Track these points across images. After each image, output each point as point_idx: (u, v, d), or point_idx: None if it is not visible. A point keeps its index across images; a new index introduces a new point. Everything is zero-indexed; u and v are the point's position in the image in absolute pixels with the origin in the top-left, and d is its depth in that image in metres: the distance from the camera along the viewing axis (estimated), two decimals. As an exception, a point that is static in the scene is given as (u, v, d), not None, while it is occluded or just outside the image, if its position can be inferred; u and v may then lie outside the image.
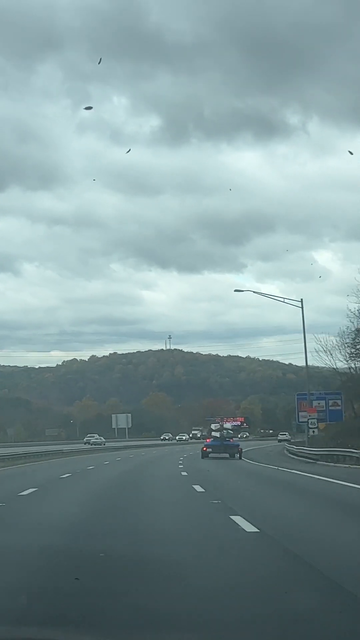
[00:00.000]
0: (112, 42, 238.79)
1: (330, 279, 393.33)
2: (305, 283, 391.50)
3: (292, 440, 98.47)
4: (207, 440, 60.18)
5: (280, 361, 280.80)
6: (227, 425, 63.51)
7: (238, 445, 58.81)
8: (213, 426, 61.96)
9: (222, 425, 61.65)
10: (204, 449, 57.68)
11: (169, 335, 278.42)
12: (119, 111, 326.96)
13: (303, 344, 67.58)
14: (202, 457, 55.35)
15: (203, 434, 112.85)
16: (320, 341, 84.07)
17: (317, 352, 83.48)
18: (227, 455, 56.84)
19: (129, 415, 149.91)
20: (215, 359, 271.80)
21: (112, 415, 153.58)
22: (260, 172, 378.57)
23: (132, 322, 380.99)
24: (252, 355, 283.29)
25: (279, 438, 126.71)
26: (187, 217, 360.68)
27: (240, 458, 55.92)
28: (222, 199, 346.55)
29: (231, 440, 59.23)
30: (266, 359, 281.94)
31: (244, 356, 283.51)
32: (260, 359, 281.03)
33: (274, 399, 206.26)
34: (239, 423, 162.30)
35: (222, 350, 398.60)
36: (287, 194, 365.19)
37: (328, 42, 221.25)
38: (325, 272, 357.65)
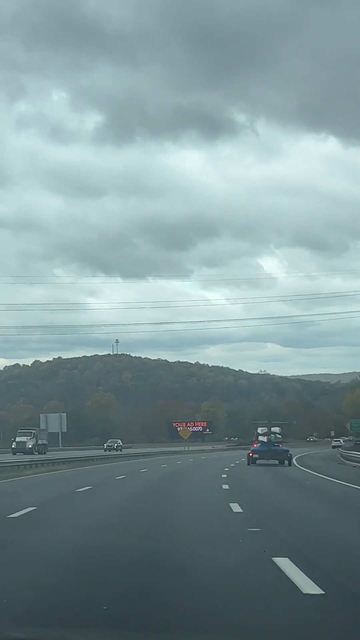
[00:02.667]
0: (47, 30, 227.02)
1: (276, 286, 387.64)
2: (251, 290, 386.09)
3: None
4: (255, 445, 56.29)
5: (231, 367, 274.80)
6: (275, 429, 58.00)
7: (287, 450, 54.90)
8: (260, 430, 57.46)
9: (269, 429, 57.10)
10: (250, 454, 55.09)
11: (116, 340, 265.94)
12: (59, 106, 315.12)
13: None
14: (249, 464, 52.93)
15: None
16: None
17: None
18: (276, 461, 53.50)
19: (63, 415, 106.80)
20: (164, 364, 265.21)
21: (41, 415, 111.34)
22: (204, 174, 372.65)
23: (77, 330, 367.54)
24: (201, 362, 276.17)
25: (332, 444, 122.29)
26: (130, 221, 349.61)
27: (290, 464, 52.33)
28: (166, 201, 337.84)
29: (280, 445, 55.53)
30: (216, 365, 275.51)
31: (193, 362, 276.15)
32: (210, 365, 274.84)
33: (238, 402, 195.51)
34: (200, 428, 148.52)
35: (170, 356, 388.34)
36: (231, 198, 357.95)
37: (276, 36, 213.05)
38: (270, 279, 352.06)
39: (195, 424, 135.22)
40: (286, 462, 53.04)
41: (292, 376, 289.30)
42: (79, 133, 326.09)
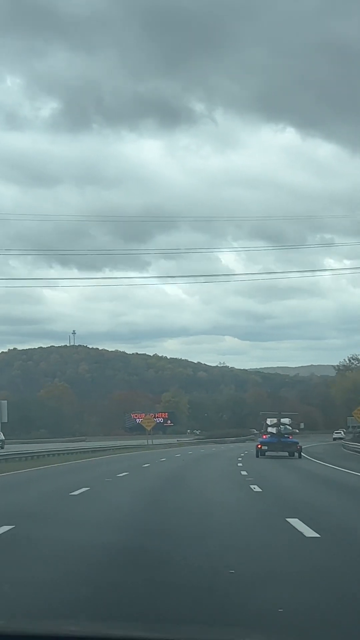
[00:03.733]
0: (0, 14, 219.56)
1: (234, 279, 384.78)
2: (209, 283, 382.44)
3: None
4: (264, 436, 55.46)
5: (189, 360, 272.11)
6: (285, 420, 56.44)
7: (297, 442, 53.50)
8: (269, 421, 55.93)
9: (279, 420, 55.68)
10: (259, 446, 54.09)
11: (73, 331, 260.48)
12: (13, 92, 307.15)
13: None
14: (258, 456, 51.80)
15: None
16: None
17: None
18: (285, 453, 52.44)
19: (3, 403, 76.62)
20: (122, 355, 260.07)
21: None
22: (163, 164, 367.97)
23: (33, 322, 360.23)
24: (159, 354, 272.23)
25: (334, 437, 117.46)
26: (87, 211, 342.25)
27: (300, 457, 51.20)
28: (123, 192, 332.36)
29: (290, 436, 54.51)
30: (175, 357, 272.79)
31: (152, 354, 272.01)
32: (169, 357, 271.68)
33: (198, 395, 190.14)
34: (161, 420, 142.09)
35: (128, 348, 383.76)
36: (190, 190, 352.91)
37: (234, 23, 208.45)
38: (229, 272, 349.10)
39: (156, 415, 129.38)
40: (296, 454, 51.81)
41: (251, 369, 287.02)
42: (35, 120, 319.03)
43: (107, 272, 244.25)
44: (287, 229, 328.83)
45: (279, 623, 7.35)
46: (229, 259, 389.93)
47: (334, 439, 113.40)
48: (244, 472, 32.62)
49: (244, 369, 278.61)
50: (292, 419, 59.17)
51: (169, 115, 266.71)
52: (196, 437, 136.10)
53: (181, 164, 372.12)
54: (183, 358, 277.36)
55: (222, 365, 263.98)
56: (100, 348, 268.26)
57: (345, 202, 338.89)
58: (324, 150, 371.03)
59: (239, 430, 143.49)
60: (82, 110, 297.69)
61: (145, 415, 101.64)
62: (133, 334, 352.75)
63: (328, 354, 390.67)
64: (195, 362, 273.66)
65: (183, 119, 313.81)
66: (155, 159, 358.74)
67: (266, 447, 53.07)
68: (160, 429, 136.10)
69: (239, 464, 40.57)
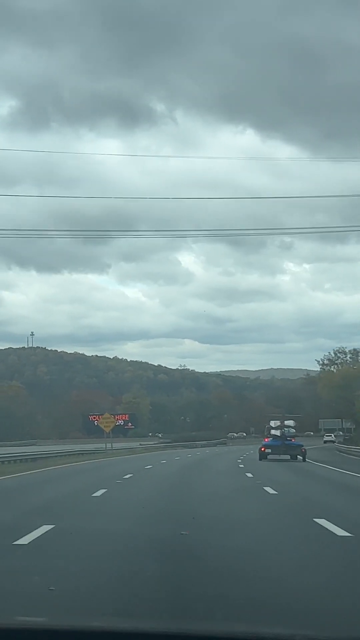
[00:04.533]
0: None
1: (193, 282, 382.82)
2: (168, 286, 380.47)
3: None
4: (266, 439, 55.07)
5: (150, 362, 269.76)
6: (290, 422, 56.47)
7: (301, 445, 53.14)
8: (272, 423, 55.86)
9: (282, 423, 55.56)
10: (262, 449, 53.26)
11: (32, 332, 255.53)
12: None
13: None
14: (260, 459, 51.17)
15: None
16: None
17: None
18: (287, 456, 52.04)
19: None
20: (81, 358, 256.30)
21: None
22: (123, 165, 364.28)
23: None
24: (119, 356, 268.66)
25: (324, 440, 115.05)
26: (46, 212, 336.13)
27: (304, 460, 50.49)
28: (83, 192, 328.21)
29: (293, 439, 54.26)
30: (135, 360, 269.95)
31: (112, 357, 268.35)
32: (129, 360, 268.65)
33: (159, 397, 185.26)
34: (121, 422, 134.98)
35: (88, 351, 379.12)
36: (150, 191, 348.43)
37: (196, 21, 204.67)
38: (187, 274, 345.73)
39: (116, 417, 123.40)
40: (299, 457, 51.12)
41: (212, 372, 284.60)
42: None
43: (66, 274, 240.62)
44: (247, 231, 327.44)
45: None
46: (188, 260, 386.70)
47: (325, 442, 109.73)
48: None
49: (204, 372, 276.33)
50: (295, 421, 59.14)
51: (129, 115, 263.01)
52: (161, 440, 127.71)
53: (141, 164, 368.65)
54: (143, 361, 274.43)
55: (182, 368, 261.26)
56: (59, 350, 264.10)
57: (305, 205, 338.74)
58: (284, 152, 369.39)
59: (207, 433, 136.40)
60: (41, 109, 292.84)
61: (104, 414, 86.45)
62: (93, 336, 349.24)
63: (288, 357, 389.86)
64: (156, 364, 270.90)
65: (143, 119, 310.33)
66: (116, 159, 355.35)
67: (269, 450, 52.63)
68: (120, 432, 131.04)
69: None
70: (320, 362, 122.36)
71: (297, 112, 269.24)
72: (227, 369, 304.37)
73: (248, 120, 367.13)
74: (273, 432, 54.84)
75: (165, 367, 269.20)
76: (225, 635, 4.13)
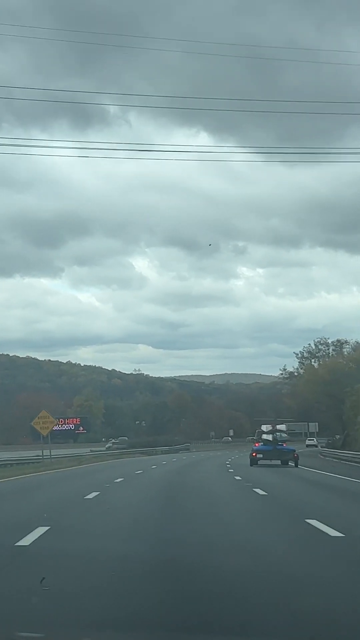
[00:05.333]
0: None
1: (147, 287, 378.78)
2: (122, 290, 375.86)
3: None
4: (256, 444, 53.86)
5: (103, 367, 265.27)
6: (282, 427, 56.47)
7: (293, 450, 52.09)
8: (264, 427, 55.40)
9: (274, 427, 55.34)
10: (253, 454, 51.82)
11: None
12: None
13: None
14: (251, 465, 49.93)
15: None
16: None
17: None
18: (279, 462, 51.45)
19: None
20: (34, 362, 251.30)
21: None
22: (76, 168, 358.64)
23: None
24: (73, 361, 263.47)
25: (307, 444, 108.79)
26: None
27: (296, 466, 49.29)
28: (35, 195, 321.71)
29: (284, 444, 53.51)
30: (88, 364, 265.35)
31: (65, 361, 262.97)
32: (82, 365, 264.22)
33: (113, 402, 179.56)
34: (71, 426, 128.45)
35: (41, 356, 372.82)
36: (103, 194, 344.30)
37: (149, 20, 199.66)
38: (141, 279, 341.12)
39: (67, 420, 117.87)
40: (291, 462, 50.42)
41: (167, 377, 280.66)
42: None
43: (18, 278, 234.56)
44: (200, 236, 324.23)
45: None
46: (142, 264, 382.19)
47: (307, 445, 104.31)
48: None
49: (159, 377, 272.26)
50: (287, 426, 58.10)
51: (82, 116, 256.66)
52: (116, 446, 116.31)
53: (94, 167, 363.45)
54: (97, 365, 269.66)
55: (137, 372, 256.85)
56: (11, 354, 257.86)
57: (258, 209, 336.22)
58: (238, 155, 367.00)
59: (167, 438, 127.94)
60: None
61: (40, 413, 63.19)
62: (47, 341, 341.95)
63: (242, 362, 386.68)
64: (110, 369, 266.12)
65: (97, 121, 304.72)
66: (68, 162, 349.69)
67: (261, 455, 51.43)
68: (71, 437, 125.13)
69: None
70: (299, 355, 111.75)
71: (251, 115, 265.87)
72: (181, 374, 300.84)
73: (202, 123, 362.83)
74: (265, 436, 54.15)
75: (119, 371, 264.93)
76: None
